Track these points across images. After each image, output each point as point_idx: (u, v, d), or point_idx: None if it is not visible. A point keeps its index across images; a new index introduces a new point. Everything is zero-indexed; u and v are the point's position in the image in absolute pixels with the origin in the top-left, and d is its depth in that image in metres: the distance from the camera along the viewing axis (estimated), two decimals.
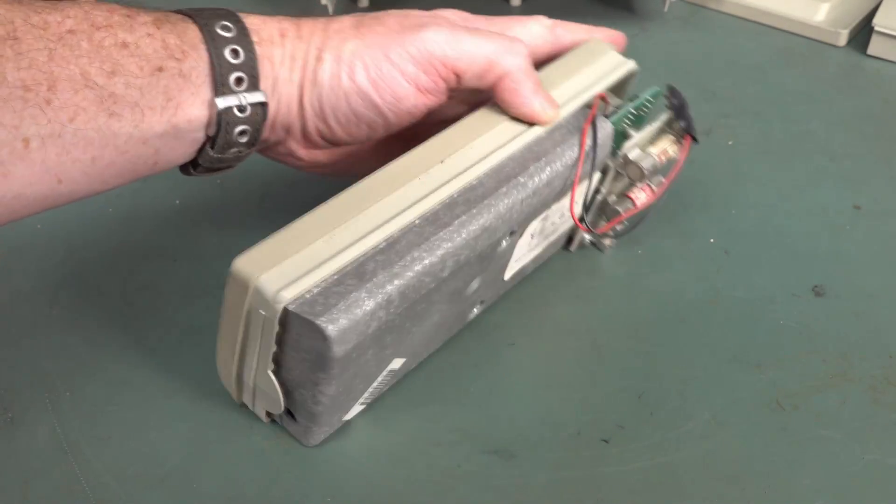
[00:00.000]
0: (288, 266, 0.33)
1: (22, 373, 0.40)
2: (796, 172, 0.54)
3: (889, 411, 0.40)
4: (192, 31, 0.34)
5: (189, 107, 0.34)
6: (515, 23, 0.42)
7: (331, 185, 0.38)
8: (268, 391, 0.36)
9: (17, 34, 0.30)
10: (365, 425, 0.39)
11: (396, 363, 0.38)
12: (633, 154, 0.42)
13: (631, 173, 0.42)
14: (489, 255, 0.39)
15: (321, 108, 0.37)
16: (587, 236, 0.47)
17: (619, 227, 0.45)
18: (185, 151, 0.35)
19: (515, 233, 0.40)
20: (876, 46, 0.64)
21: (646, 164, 0.42)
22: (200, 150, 0.36)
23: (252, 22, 0.36)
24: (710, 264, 0.47)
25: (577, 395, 0.41)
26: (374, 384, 0.38)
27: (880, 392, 0.41)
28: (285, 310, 0.32)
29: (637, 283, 0.46)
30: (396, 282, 0.33)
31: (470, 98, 0.41)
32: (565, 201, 0.42)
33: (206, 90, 0.34)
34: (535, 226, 0.41)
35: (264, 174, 0.49)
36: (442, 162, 0.37)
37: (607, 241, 0.47)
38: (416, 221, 0.35)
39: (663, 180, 0.43)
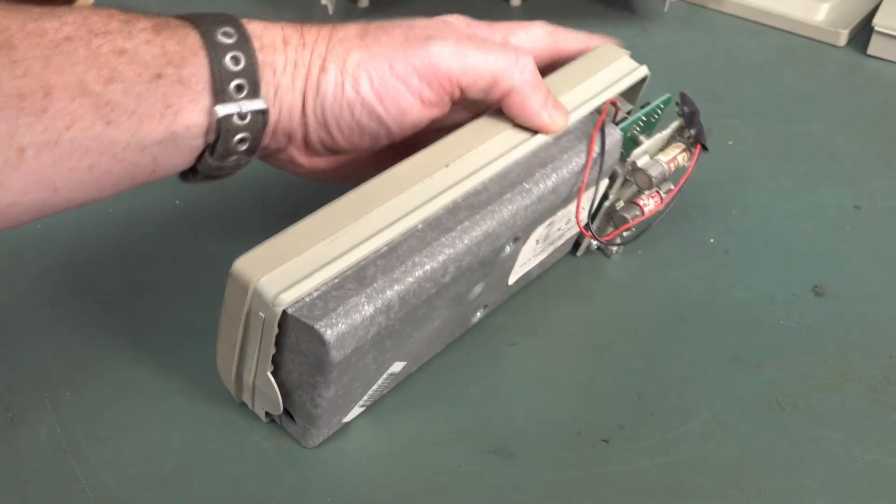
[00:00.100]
0: (288, 269, 0.33)
1: (22, 373, 0.40)
2: (796, 172, 0.54)
3: (889, 411, 0.40)
4: (193, 38, 0.34)
5: (188, 114, 0.33)
6: (518, 28, 0.42)
7: (332, 187, 0.38)
8: (267, 392, 0.36)
9: (14, 42, 0.30)
10: (365, 426, 0.39)
11: (397, 367, 0.38)
12: (642, 161, 0.42)
13: (639, 181, 0.42)
14: (492, 260, 0.38)
15: (324, 118, 0.37)
16: (594, 242, 0.47)
17: (625, 234, 0.45)
18: (184, 159, 0.35)
19: (520, 239, 0.39)
20: (876, 46, 0.64)
21: (654, 172, 0.41)
22: (200, 158, 0.35)
23: (254, 28, 0.35)
24: (710, 264, 0.47)
25: (577, 395, 0.41)
26: (374, 387, 0.38)
27: (880, 392, 0.41)
28: (284, 313, 0.32)
29: (637, 284, 0.46)
30: (397, 287, 0.33)
31: (472, 106, 0.41)
32: (572, 207, 0.42)
33: (205, 97, 0.34)
34: (540, 232, 0.41)
35: (265, 176, 0.49)
36: (447, 166, 0.37)
37: (614, 248, 0.47)
38: (419, 226, 0.35)
39: (672, 187, 0.43)
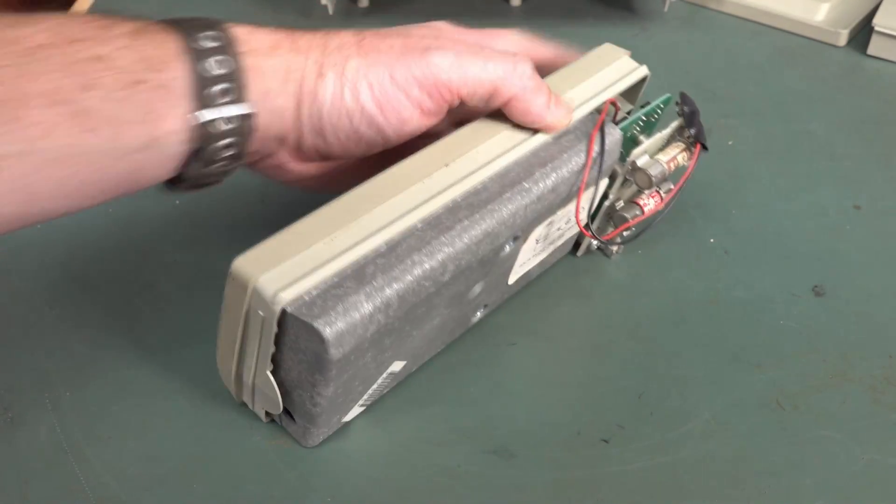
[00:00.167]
0: (287, 267, 0.33)
1: (22, 373, 0.40)
2: (796, 172, 0.54)
3: (889, 411, 0.40)
4: (173, 42, 0.33)
5: (169, 120, 0.32)
6: (495, 35, 0.42)
7: None
8: (266, 391, 0.36)
9: None
10: (365, 425, 0.39)
11: (396, 366, 0.38)
12: (642, 161, 0.42)
13: (639, 180, 0.42)
14: (492, 259, 0.38)
15: (321, 125, 0.36)
16: (594, 242, 0.47)
17: (625, 234, 0.45)
18: (168, 166, 0.34)
19: (519, 238, 0.39)
20: (876, 46, 0.64)
21: (654, 172, 0.41)
22: (186, 165, 0.34)
23: (241, 32, 0.35)
24: (710, 264, 0.47)
25: (577, 395, 0.41)
26: (374, 387, 0.38)
27: (880, 392, 0.41)
28: (283, 311, 0.32)
29: (637, 284, 0.46)
30: (396, 285, 0.33)
31: (468, 113, 0.40)
32: (571, 207, 0.42)
33: (187, 103, 0.33)
34: (540, 231, 0.41)
35: None
36: (446, 165, 0.37)
37: (614, 248, 0.47)
38: (418, 225, 0.35)
39: (672, 187, 0.43)
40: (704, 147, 0.42)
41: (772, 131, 0.57)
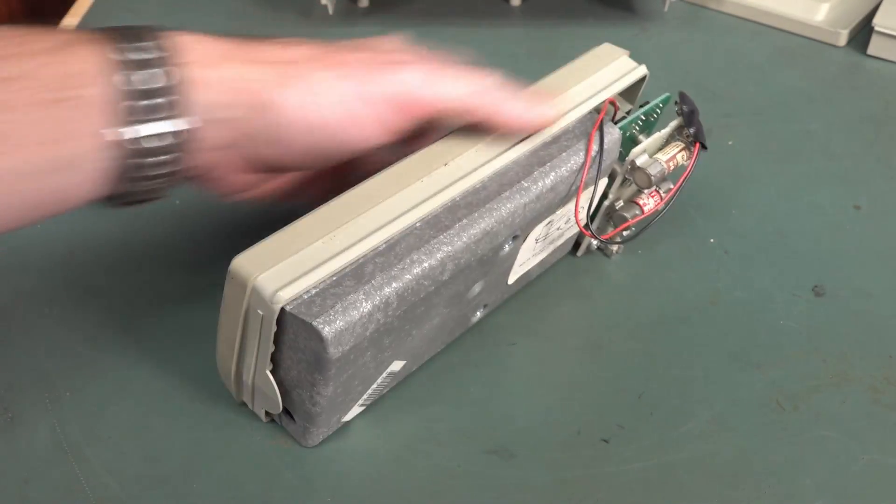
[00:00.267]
0: (286, 266, 0.33)
1: (22, 373, 0.40)
2: (796, 172, 0.54)
3: (889, 411, 0.40)
4: (99, 55, 0.31)
5: (87, 139, 0.31)
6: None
7: None
8: (266, 391, 0.36)
9: None
10: (365, 425, 0.39)
11: (396, 365, 0.38)
12: (641, 160, 0.42)
13: (638, 180, 0.42)
14: (491, 259, 0.38)
15: (277, 136, 0.35)
16: (594, 242, 0.47)
17: (625, 233, 0.45)
18: (91, 186, 0.32)
19: (519, 237, 0.40)
20: (876, 46, 0.64)
21: (654, 171, 0.41)
22: (116, 183, 0.32)
23: (183, 42, 0.33)
24: (710, 264, 0.47)
25: (577, 395, 0.41)
26: (373, 386, 0.38)
27: (880, 392, 0.41)
28: (282, 310, 0.32)
29: (637, 283, 0.46)
30: (395, 284, 0.33)
31: (422, 135, 0.39)
32: (571, 206, 0.42)
33: (110, 119, 0.31)
34: (539, 230, 0.41)
35: None
36: (445, 165, 0.37)
37: (614, 248, 0.47)
38: (417, 224, 0.35)
39: (671, 187, 0.43)
40: (704, 146, 0.42)
41: (772, 131, 0.57)
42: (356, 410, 0.39)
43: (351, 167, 0.39)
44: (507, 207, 0.37)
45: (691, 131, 0.42)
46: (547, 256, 0.44)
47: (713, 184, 0.52)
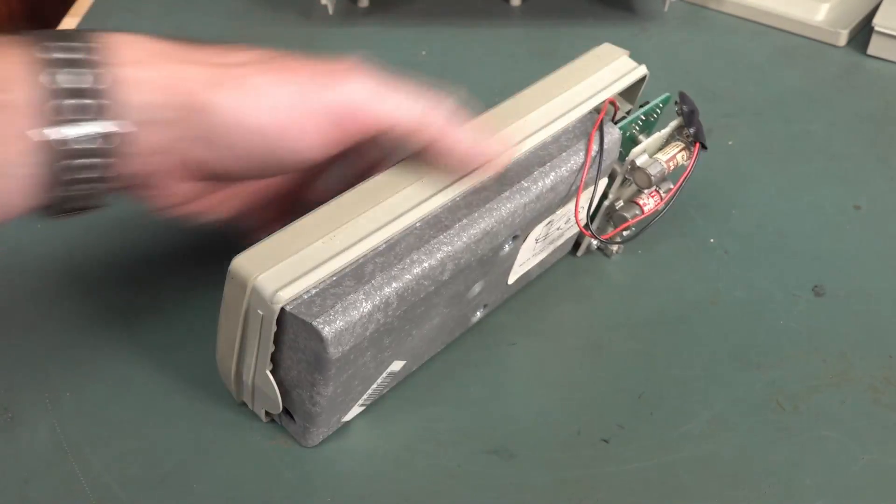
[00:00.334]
0: (286, 266, 0.33)
1: (22, 373, 0.40)
2: (796, 172, 0.54)
3: (889, 411, 0.40)
4: (22, 57, 0.30)
5: (12, 142, 0.29)
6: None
7: None
8: (266, 391, 0.36)
9: None
10: (365, 425, 0.39)
11: (396, 365, 0.38)
12: (641, 160, 0.42)
13: (638, 180, 0.42)
14: (491, 259, 0.38)
15: (214, 139, 0.33)
16: (594, 242, 0.47)
17: (625, 233, 0.45)
18: (23, 194, 0.31)
19: (519, 237, 0.40)
20: (876, 46, 0.64)
21: (654, 171, 0.41)
22: (47, 190, 0.31)
23: (115, 42, 0.31)
24: (710, 264, 0.47)
25: (577, 395, 0.41)
26: (373, 386, 0.38)
27: (880, 392, 0.41)
28: (282, 310, 0.32)
29: (637, 283, 0.46)
30: (395, 284, 0.33)
31: (366, 161, 0.39)
32: (571, 206, 0.42)
33: (33, 122, 0.29)
34: (539, 230, 0.41)
35: None
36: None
37: (614, 248, 0.47)
38: (417, 224, 0.35)
39: (671, 187, 0.43)
40: (704, 146, 0.42)
41: (772, 131, 0.57)
42: (356, 410, 0.39)
43: (302, 192, 0.38)
44: (507, 207, 0.37)
45: (691, 131, 0.42)
46: (547, 256, 0.44)
47: (713, 184, 0.52)
